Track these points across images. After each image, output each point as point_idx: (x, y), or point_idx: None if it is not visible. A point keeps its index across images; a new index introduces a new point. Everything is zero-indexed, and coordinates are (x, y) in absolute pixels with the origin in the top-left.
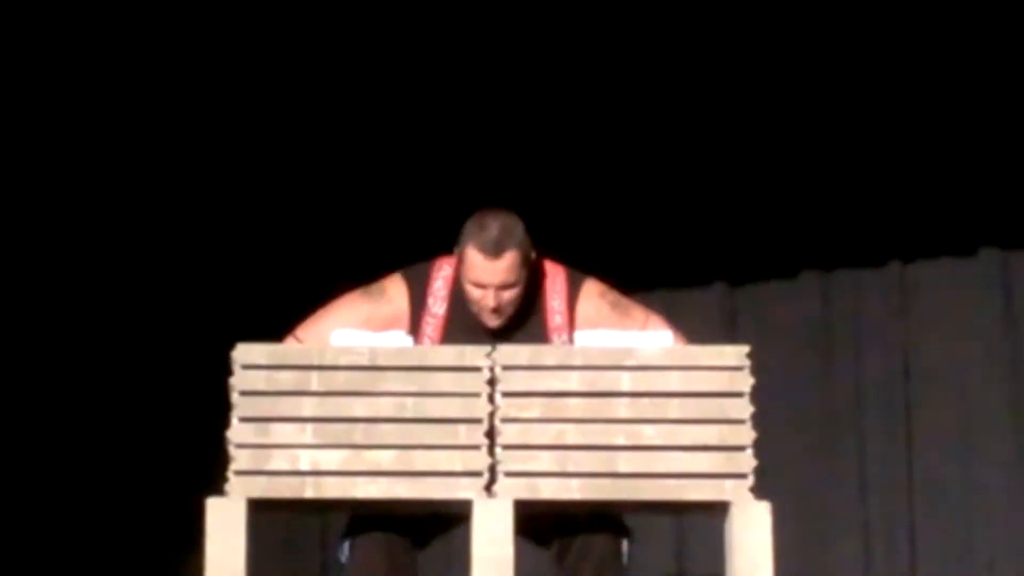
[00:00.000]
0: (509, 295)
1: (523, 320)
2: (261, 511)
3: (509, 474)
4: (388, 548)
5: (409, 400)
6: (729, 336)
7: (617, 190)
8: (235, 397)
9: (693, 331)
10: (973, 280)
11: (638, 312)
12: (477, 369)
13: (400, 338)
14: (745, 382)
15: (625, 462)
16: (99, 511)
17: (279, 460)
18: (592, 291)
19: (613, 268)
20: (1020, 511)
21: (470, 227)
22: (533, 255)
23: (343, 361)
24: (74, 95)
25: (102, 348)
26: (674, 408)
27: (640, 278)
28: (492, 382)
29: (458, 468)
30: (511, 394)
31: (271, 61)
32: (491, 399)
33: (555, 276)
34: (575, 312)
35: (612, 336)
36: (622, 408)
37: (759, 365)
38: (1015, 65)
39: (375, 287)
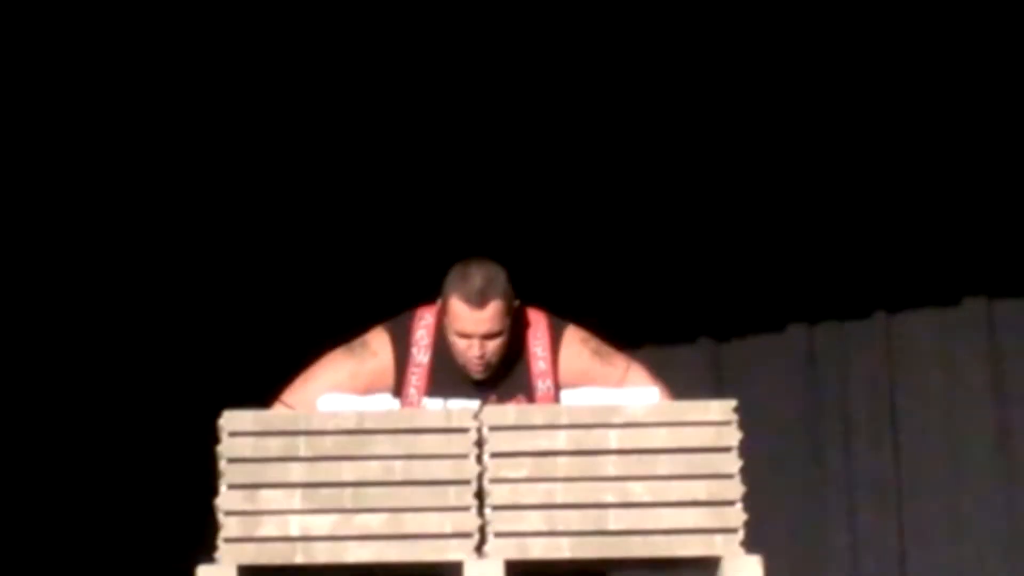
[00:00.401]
0: (494, 344)
1: (508, 368)
2: None
3: (499, 534)
4: None
5: (397, 463)
6: (716, 391)
7: (602, 246)
8: (223, 464)
9: (679, 387)
10: (958, 329)
11: (620, 360)
12: (465, 430)
13: (387, 401)
14: (733, 436)
15: (615, 520)
16: None
17: (268, 526)
18: (574, 337)
19: (598, 324)
20: (1008, 555)
21: (452, 278)
22: (516, 303)
23: (330, 426)
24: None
25: (89, 417)
26: (662, 464)
27: (625, 334)
28: (480, 443)
29: (448, 530)
30: (499, 454)
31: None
32: (479, 460)
33: (537, 323)
34: (558, 357)
35: (598, 394)
36: (610, 466)
37: (746, 419)
38: (994, 111)
39: (357, 343)
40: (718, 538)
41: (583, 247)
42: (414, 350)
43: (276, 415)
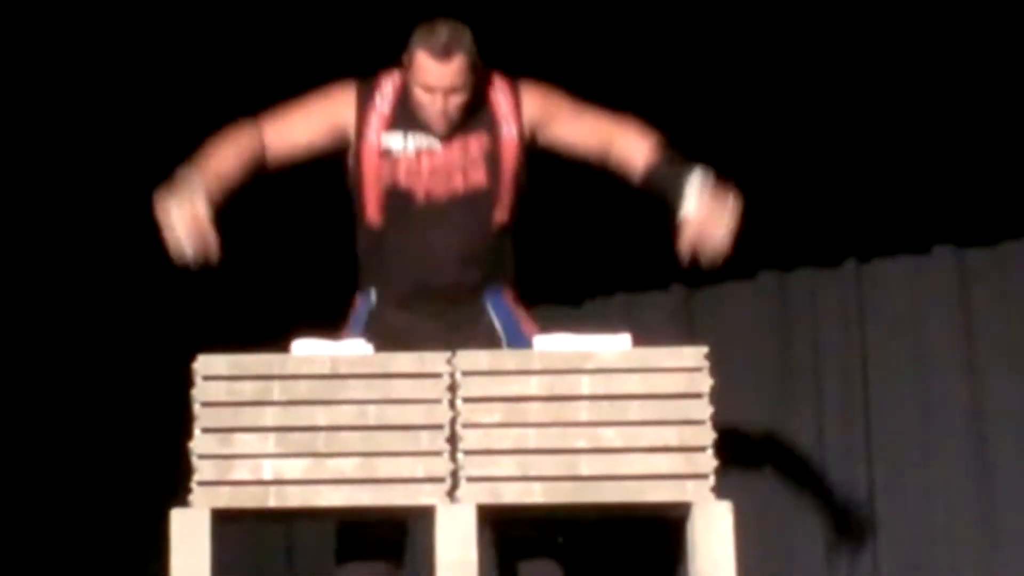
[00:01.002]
0: (457, 100)
1: (472, 123)
2: (225, 522)
3: (471, 479)
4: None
5: (370, 407)
6: (688, 338)
7: (573, 194)
8: (197, 408)
9: (652, 333)
10: (928, 276)
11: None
12: (437, 375)
13: (360, 346)
14: (704, 383)
15: (586, 465)
16: (61, 523)
17: (242, 470)
18: (530, 83)
19: (570, 273)
20: (978, 506)
21: (419, 32)
22: (481, 64)
23: (304, 370)
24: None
25: (61, 360)
26: (634, 410)
27: (598, 281)
28: (453, 388)
29: (420, 474)
30: (472, 399)
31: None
32: (452, 405)
33: (498, 78)
34: (520, 100)
35: (571, 339)
36: (582, 411)
37: (717, 366)
38: (968, 64)
39: (320, 88)
40: (689, 484)
41: (556, 194)
42: (378, 98)
43: (250, 359)
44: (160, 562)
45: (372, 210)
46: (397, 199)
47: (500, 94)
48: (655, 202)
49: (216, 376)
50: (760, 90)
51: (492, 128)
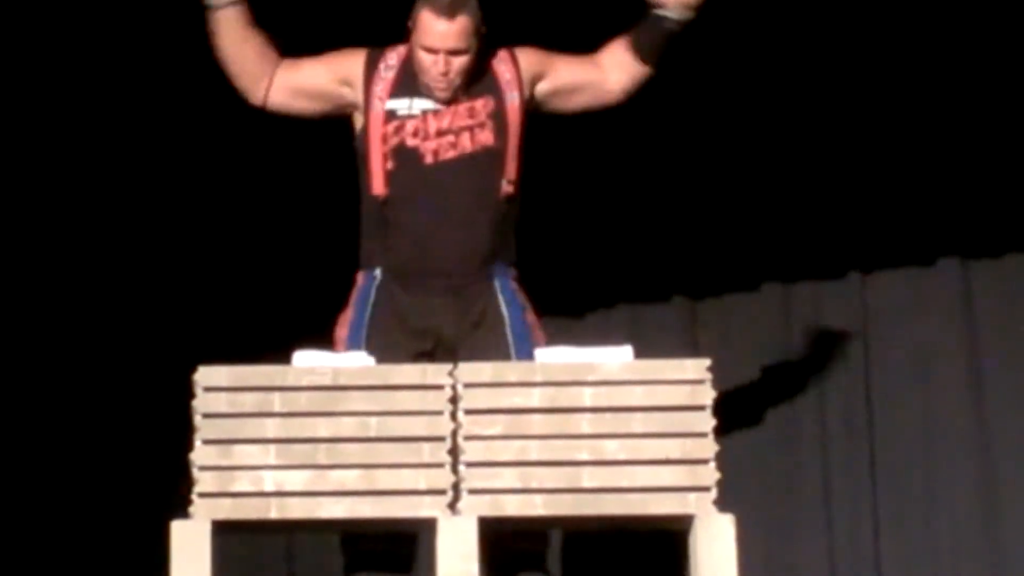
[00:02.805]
0: (459, 62)
1: (477, 88)
2: (226, 533)
3: (473, 491)
4: None
5: (372, 419)
6: (691, 350)
7: (577, 205)
8: (198, 419)
9: (654, 346)
10: (931, 289)
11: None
12: (439, 387)
13: (362, 358)
14: (707, 395)
15: (588, 477)
16: (62, 533)
17: (243, 482)
18: (526, 49)
19: (573, 284)
20: (982, 519)
21: None
22: (484, 30)
23: (305, 382)
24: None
25: (63, 371)
26: (637, 422)
27: (601, 293)
28: (455, 400)
29: (422, 486)
30: (474, 411)
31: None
32: (454, 417)
33: (501, 53)
34: (519, 65)
35: (572, 352)
36: (585, 423)
37: (720, 378)
38: (972, 76)
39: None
40: (691, 496)
41: (558, 206)
42: (383, 66)
43: (251, 371)
44: (161, 574)
45: (378, 177)
46: (405, 160)
47: (503, 64)
48: (658, 213)
49: (217, 388)
50: (764, 101)
51: (497, 94)
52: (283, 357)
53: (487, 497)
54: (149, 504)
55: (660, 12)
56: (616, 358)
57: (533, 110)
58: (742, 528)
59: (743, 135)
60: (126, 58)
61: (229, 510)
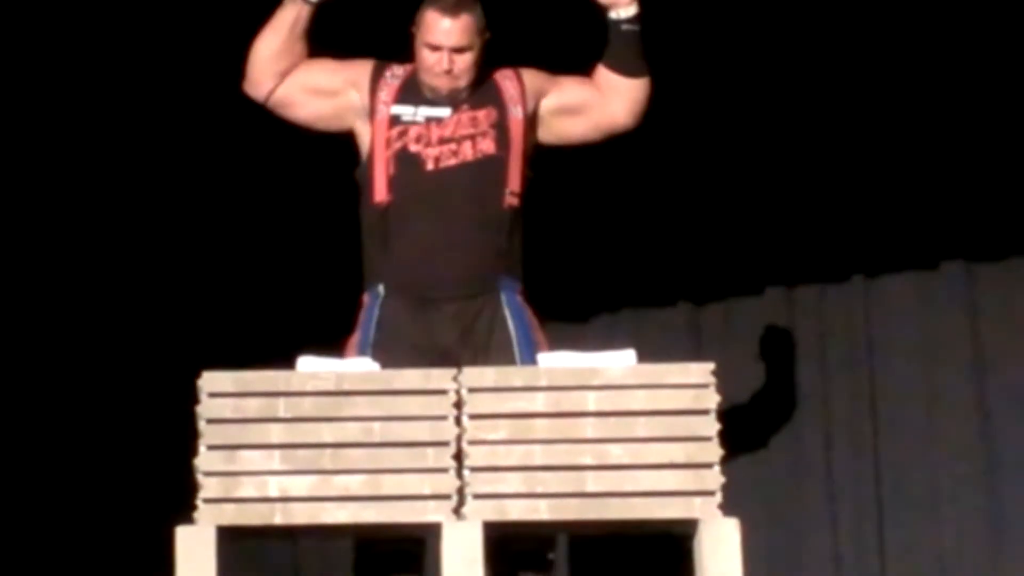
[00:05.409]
0: (463, 59)
1: (480, 99)
2: (231, 539)
3: (477, 496)
4: None
5: (376, 424)
6: (694, 354)
7: (581, 209)
8: (202, 425)
9: (658, 350)
10: (936, 292)
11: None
12: (443, 392)
13: (366, 363)
14: (711, 399)
15: (593, 482)
16: (67, 540)
17: (248, 487)
18: (531, 68)
19: (577, 289)
20: (986, 521)
21: None
22: (488, 34)
23: (309, 387)
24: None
25: (67, 376)
26: (641, 427)
27: (605, 297)
28: (459, 404)
29: (427, 491)
30: (478, 416)
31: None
32: (458, 421)
33: (504, 70)
34: (523, 83)
35: (576, 357)
36: (589, 428)
37: (724, 382)
38: (976, 80)
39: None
40: (696, 500)
41: (562, 211)
42: (388, 74)
43: (255, 376)
44: None
45: (380, 182)
46: (407, 165)
47: (507, 80)
48: (662, 217)
49: (221, 393)
50: (767, 107)
51: (500, 106)
52: (288, 364)
53: (491, 502)
54: (154, 510)
55: (611, 16)
56: (620, 362)
57: (541, 140)
58: (746, 531)
59: (746, 140)
60: (137, 68)
61: (234, 515)
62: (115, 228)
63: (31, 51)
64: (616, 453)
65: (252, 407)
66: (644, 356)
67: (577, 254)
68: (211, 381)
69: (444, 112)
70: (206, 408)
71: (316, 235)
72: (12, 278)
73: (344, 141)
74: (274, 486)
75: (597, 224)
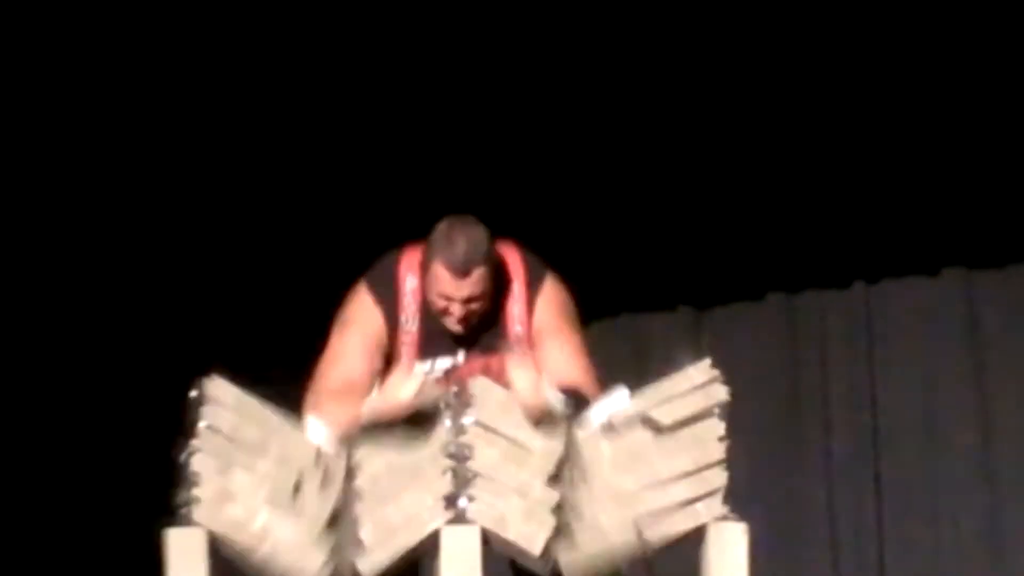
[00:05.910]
0: (475, 307)
1: (487, 324)
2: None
3: (476, 502)
4: None
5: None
6: (696, 359)
7: (583, 214)
8: (201, 427)
9: (659, 355)
10: (936, 299)
11: (575, 338)
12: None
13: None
14: (719, 393)
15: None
16: (59, 540)
17: (237, 508)
18: (550, 298)
19: (579, 292)
20: (986, 530)
21: (438, 240)
22: (496, 258)
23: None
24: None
25: (65, 379)
26: (653, 456)
27: (606, 302)
28: (458, 413)
29: (428, 502)
30: (480, 425)
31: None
32: (458, 428)
33: (516, 271)
34: (534, 307)
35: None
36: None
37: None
38: (978, 87)
39: (348, 316)
40: (700, 506)
41: (564, 216)
42: (403, 317)
43: (256, 406)
44: None
45: None
46: None
47: (517, 303)
48: (664, 223)
49: (223, 404)
50: (770, 112)
51: (506, 334)
52: (290, 366)
53: (491, 509)
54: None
55: None
56: (617, 406)
57: None
58: (749, 536)
59: (749, 146)
60: (138, 69)
61: (225, 524)
62: (115, 228)
63: (31, 51)
64: (627, 485)
65: (248, 434)
66: (644, 361)
67: (579, 258)
68: (216, 388)
69: (458, 359)
70: (208, 413)
71: (316, 235)
72: (13, 285)
73: (346, 137)
74: (260, 519)
75: (599, 228)
